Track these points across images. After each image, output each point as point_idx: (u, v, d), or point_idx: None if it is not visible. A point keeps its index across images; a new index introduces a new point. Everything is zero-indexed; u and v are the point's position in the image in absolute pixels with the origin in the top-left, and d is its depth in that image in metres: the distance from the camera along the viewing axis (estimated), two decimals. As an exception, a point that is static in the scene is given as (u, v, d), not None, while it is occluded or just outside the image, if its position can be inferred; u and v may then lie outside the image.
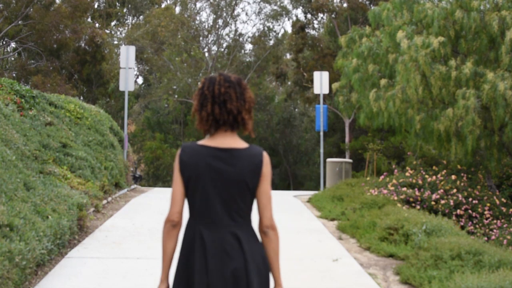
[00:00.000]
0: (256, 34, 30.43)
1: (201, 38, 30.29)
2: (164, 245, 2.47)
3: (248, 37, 31.03)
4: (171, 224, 2.45)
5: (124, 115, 14.92)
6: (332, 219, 9.35)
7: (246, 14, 43.75)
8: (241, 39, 30.65)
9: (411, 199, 10.36)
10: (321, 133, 15.32)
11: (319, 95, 15.63)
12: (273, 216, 2.49)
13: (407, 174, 11.39)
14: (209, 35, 30.28)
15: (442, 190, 10.52)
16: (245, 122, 2.46)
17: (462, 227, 9.93)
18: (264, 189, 2.46)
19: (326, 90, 15.41)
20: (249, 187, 2.42)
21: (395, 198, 10.21)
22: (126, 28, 34.11)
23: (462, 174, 11.22)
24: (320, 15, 27.63)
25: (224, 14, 29.50)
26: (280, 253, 2.53)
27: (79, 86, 29.50)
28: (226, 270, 2.36)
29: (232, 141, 2.45)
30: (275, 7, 29.59)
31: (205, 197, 2.41)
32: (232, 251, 2.38)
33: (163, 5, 33.14)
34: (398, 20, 12.19)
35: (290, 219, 9.22)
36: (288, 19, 30.25)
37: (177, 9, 31.63)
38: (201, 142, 2.48)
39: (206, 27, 30.06)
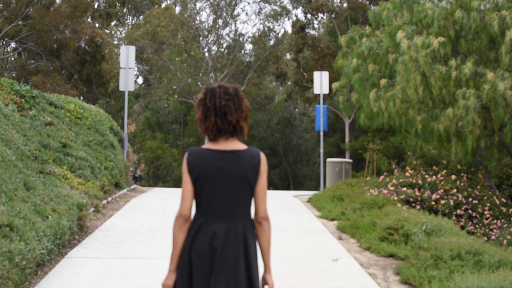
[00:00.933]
0: (256, 34, 30.42)
1: (201, 38, 30.28)
2: (176, 238, 2.76)
3: (248, 37, 31.04)
4: (183, 219, 2.75)
5: (124, 115, 14.92)
6: (332, 219, 9.35)
7: (246, 14, 43.76)
8: (241, 39, 30.63)
9: (411, 199, 10.36)
10: (321, 133, 15.32)
11: (319, 95, 15.63)
12: (267, 208, 2.82)
13: (407, 174, 11.39)
14: (209, 35, 30.28)
15: (442, 190, 10.51)
16: (243, 129, 2.81)
17: (462, 227, 9.93)
18: (262, 185, 2.81)
19: (326, 90, 15.40)
20: (250, 183, 2.76)
21: (395, 198, 10.20)
22: (126, 28, 34.11)
23: (462, 174, 11.22)
24: (320, 15, 27.64)
25: (224, 14, 29.49)
26: (273, 245, 2.87)
27: (79, 86, 29.51)
28: (230, 256, 2.68)
29: (233, 144, 2.79)
30: (275, 7, 29.58)
31: (212, 194, 2.73)
32: (235, 241, 2.70)
33: (163, 5, 33.12)
34: (398, 20, 12.19)
35: (290, 219, 9.22)
36: (288, 19, 30.24)
37: (177, 9, 31.62)
38: (205, 146, 2.81)
39: (206, 27, 30.06)
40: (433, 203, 10.23)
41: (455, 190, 10.56)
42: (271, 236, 2.84)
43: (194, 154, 2.77)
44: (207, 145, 2.81)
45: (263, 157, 2.82)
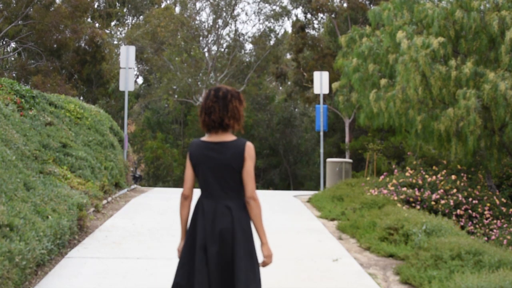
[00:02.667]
0: (256, 34, 30.41)
1: (201, 38, 30.28)
2: (180, 212, 3.43)
3: (248, 37, 31.02)
4: (183, 197, 3.41)
5: (124, 115, 14.91)
6: (332, 219, 9.34)
7: (246, 14, 43.74)
8: (241, 39, 30.63)
9: (411, 199, 10.36)
10: (321, 133, 15.32)
11: (319, 95, 15.63)
12: (254, 189, 3.26)
13: (407, 174, 11.38)
14: (209, 35, 30.27)
15: (442, 190, 10.51)
16: (229, 125, 3.30)
17: (462, 227, 9.93)
18: (246, 169, 3.25)
19: (326, 90, 15.40)
20: (235, 169, 3.25)
21: (395, 198, 10.20)
22: (126, 28, 34.11)
23: (462, 174, 11.22)
24: (320, 15, 27.63)
25: (224, 14, 29.48)
26: (273, 245, 3.23)
27: (79, 86, 29.49)
28: (217, 229, 3.21)
29: (223, 136, 3.31)
30: (275, 7, 29.56)
31: (205, 178, 3.30)
32: (222, 216, 3.22)
33: (163, 5, 33.11)
34: (398, 20, 12.18)
35: (290, 219, 9.22)
36: (288, 19, 30.23)
37: (177, 9, 31.61)
38: (202, 138, 3.38)
39: (206, 27, 30.05)
40: (433, 203, 10.23)
41: (455, 190, 10.55)
42: (261, 213, 3.28)
43: (194, 145, 3.37)
44: (204, 137, 3.37)
45: (248, 146, 3.28)
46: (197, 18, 30.15)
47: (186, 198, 3.40)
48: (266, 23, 30.21)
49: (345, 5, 25.30)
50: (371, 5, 23.78)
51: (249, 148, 3.27)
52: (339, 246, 7.29)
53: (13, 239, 4.86)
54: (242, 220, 3.22)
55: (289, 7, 29.28)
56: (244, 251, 3.18)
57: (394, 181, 11.03)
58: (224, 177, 3.25)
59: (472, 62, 10.52)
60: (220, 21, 29.63)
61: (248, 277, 3.15)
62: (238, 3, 29.65)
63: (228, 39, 30.70)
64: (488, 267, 5.40)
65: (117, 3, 33.54)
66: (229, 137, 3.31)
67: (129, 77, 14.42)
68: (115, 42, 32.65)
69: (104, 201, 9.66)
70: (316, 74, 15.62)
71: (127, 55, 14.43)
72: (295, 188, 28.75)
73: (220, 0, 29.05)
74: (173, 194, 12.61)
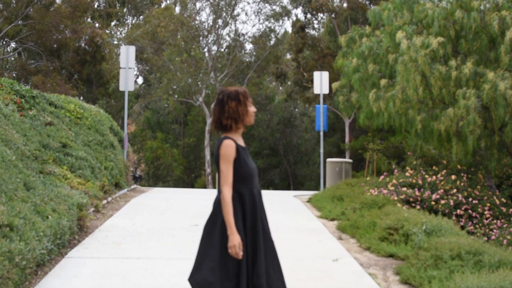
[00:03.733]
0: (257, 35, 30.40)
1: (201, 38, 30.27)
2: None
3: (248, 37, 31.01)
4: None
5: (124, 115, 14.91)
6: (332, 219, 9.34)
7: (246, 14, 43.70)
8: (241, 39, 30.62)
9: (411, 199, 10.36)
10: (321, 133, 15.32)
11: (319, 95, 15.63)
12: (223, 184, 3.43)
13: (407, 174, 11.39)
14: (209, 35, 30.26)
15: (442, 190, 10.51)
16: (227, 125, 3.51)
17: (462, 227, 9.93)
18: (219, 167, 3.46)
19: (326, 90, 15.40)
20: (217, 165, 3.51)
21: (395, 198, 10.20)
22: (126, 28, 34.11)
23: (462, 174, 11.22)
24: (320, 15, 27.65)
25: (224, 14, 29.47)
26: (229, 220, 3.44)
27: (79, 86, 29.49)
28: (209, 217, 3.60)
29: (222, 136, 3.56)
30: (275, 7, 29.56)
31: None
32: (212, 208, 3.54)
33: (163, 5, 33.10)
34: (398, 20, 12.18)
35: (290, 219, 9.22)
36: (288, 19, 30.22)
37: (177, 9, 31.60)
38: None
39: (206, 27, 30.04)
40: (433, 203, 10.23)
41: (455, 190, 10.56)
42: (226, 207, 3.39)
43: None
44: None
45: (222, 143, 3.45)
46: (197, 18, 30.14)
47: None
48: (266, 23, 30.21)
49: (345, 5, 25.31)
50: (371, 5, 23.78)
51: (222, 145, 3.45)
52: (339, 246, 7.28)
53: (13, 239, 4.86)
54: (214, 210, 3.51)
55: (289, 7, 29.28)
56: (204, 235, 3.49)
57: (394, 181, 11.03)
58: (217, 173, 3.58)
59: (472, 62, 10.52)
60: (220, 21, 29.62)
61: (201, 259, 3.45)
62: (238, 3, 29.64)
63: (228, 39, 30.70)
64: (488, 267, 5.40)
65: (117, 3, 33.53)
66: (224, 135, 3.53)
67: (129, 77, 14.42)
68: (115, 42, 32.66)
69: (104, 201, 9.66)
70: (316, 74, 15.62)
71: (127, 55, 14.43)
72: (295, 188, 28.75)
73: (220, 0, 29.04)
74: (173, 194, 12.62)
